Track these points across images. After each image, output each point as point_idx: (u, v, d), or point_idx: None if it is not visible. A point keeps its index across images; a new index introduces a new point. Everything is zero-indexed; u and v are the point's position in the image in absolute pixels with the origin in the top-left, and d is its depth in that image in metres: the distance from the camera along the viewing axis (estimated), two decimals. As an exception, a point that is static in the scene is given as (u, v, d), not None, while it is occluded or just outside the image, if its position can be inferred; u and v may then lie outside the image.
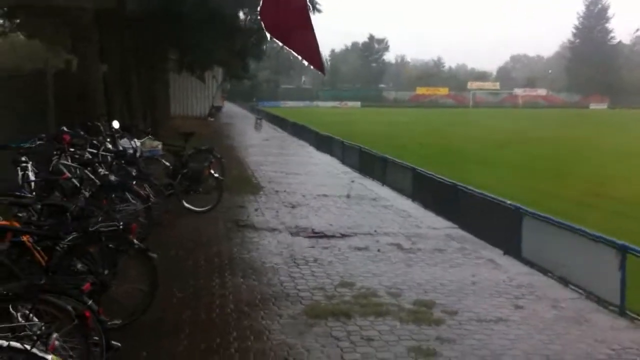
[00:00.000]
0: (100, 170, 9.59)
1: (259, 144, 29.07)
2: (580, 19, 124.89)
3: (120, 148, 11.58)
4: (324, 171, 19.71)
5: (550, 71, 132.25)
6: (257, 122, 40.62)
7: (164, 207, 9.69)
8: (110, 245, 5.63)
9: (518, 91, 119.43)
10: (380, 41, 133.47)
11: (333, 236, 10.08)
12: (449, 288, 7.54)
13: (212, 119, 45.63)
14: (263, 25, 4.00)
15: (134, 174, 9.91)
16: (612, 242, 7.28)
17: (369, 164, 18.27)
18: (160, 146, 13.35)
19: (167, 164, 12.08)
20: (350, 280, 7.66)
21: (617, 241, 7.24)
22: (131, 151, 11.49)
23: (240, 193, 13.83)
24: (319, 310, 6.56)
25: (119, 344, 4.52)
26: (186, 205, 11.42)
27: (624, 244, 7.11)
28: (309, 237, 9.99)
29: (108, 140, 12.21)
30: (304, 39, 4.08)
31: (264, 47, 31.00)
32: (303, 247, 9.30)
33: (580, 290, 7.65)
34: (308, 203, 13.17)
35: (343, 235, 10.16)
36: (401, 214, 12.36)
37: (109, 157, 10.61)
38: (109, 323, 4.68)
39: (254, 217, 11.44)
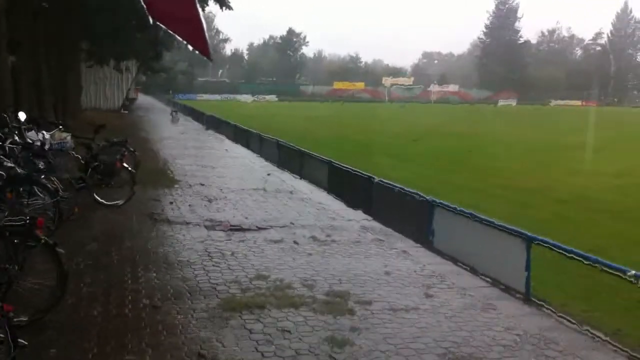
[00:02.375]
0: (6, 162, 9.21)
1: (175, 137, 28.60)
2: (491, 18, 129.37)
3: (28, 140, 11.16)
4: (241, 164, 19.61)
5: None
6: (173, 115, 39.96)
7: (74, 201, 9.38)
8: (16, 240, 5.43)
9: (431, 87, 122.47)
10: (298, 35, 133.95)
11: (249, 229, 10.06)
12: (363, 278, 7.67)
13: (126, 112, 44.62)
14: (145, 8, 3.89)
15: (42, 167, 9.58)
16: (518, 232, 7.58)
17: (286, 157, 18.33)
18: (70, 138, 12.93)
19: (78, 156, 11.73)
20: (265, 273, 7.67)
21: (522, 231, 7.55)
22: (39, 143, 11.09)
23: (155, 186, 13.59)
24: (234, 304, 6.54)
25: (26, 342, 4.38)
26: (98, 199, 11.14)
27: (529, 234, 7.42)
28: (225, 230, 9.94)
29: (15, 132, 11.75)
30: (189, 23, 4.01)
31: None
32: (218, 241, 9.24)
33: (489, 279, 7.93)
34: (224, 196, 13.09)
35: (259, 228, 10.15)
36: (317, 206, 12.47)
37: (15, 150, 10.22)
38: (15, 320, 4.52)
39: (169, 211, 11.28)
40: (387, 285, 7.49)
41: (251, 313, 6.32)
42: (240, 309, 6.39)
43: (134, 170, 11.87)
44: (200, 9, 4.06)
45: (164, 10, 3.90)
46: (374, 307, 6.65)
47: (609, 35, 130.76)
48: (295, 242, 9.31)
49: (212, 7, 26.09)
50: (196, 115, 42.78)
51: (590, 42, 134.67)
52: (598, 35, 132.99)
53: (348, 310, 6.50)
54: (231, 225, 10.22)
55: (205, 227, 10.15)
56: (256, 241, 9.31)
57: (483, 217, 8.48)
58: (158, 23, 3.93)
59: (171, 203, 12.02)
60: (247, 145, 24.20)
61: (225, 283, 7.27)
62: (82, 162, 11.48)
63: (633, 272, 5.91)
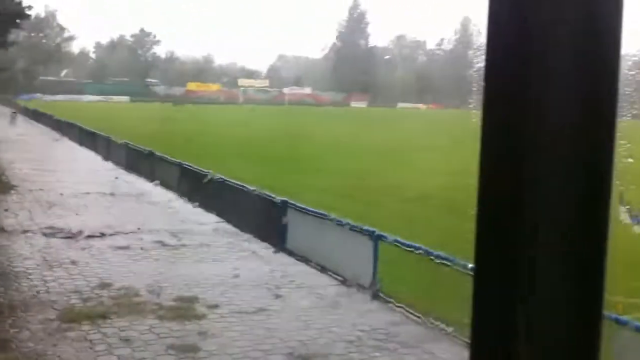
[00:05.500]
0: None
1: (13, 140, 26.74)
2: (343, 22, 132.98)
3: None
4: (86, 168, 18.72)
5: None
6: (12, 116, 37.41)
7: None
8: None
9: (286, 90, 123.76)
10: (149, 35, 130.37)
11: (92, 236, 9.60)
12: (212, 282, 7.57)
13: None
14: None
15: None
16: (365, 231, 7.79)
17: (136, 160, 17.72)
18: None
19: None
20: (109, 281, 7.37)
21: (369, 229, 7.77)
22: None
23: (-12, 193, 12.64)
24: (74, 315, 6.21)
25: None
26: None
27: (375, 232, 7.64)
28: (66, 237, 9.42)
29: None
30: None
31: (15, 36, 28.77)
32: (58, 249, 8.74)
33: (338, 277, 8.07)
34: (66, 202, 12.42)
35: (103, 235, 9.73)
36: (167, 210, 12.17)
37: None
38: None
39: (3, 219, 10.53)
40: (237, 288, 7.44)
41: (92, 323, 6.03)
42: (81, 320, 6.08)
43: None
44: None
45: None
46: (223, 311, 6.58)
47: (452, 41, 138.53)
48: (142, 248, 9.00)
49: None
50: (38, 116, 40.39)
51: (435, 47, 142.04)
52: (442, 41, 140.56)
53: (196, 316, 6.38)
54: (73, 232, 9.71)
55: (44, 234, 9.58)
56: (100, 248, 8.92)
57: (333, 216, 8.62)
58: None
59: (6, 210, 11.22)
60: (93, 148, 23.14)
61: (65, 293, 6.90)
62: None
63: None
